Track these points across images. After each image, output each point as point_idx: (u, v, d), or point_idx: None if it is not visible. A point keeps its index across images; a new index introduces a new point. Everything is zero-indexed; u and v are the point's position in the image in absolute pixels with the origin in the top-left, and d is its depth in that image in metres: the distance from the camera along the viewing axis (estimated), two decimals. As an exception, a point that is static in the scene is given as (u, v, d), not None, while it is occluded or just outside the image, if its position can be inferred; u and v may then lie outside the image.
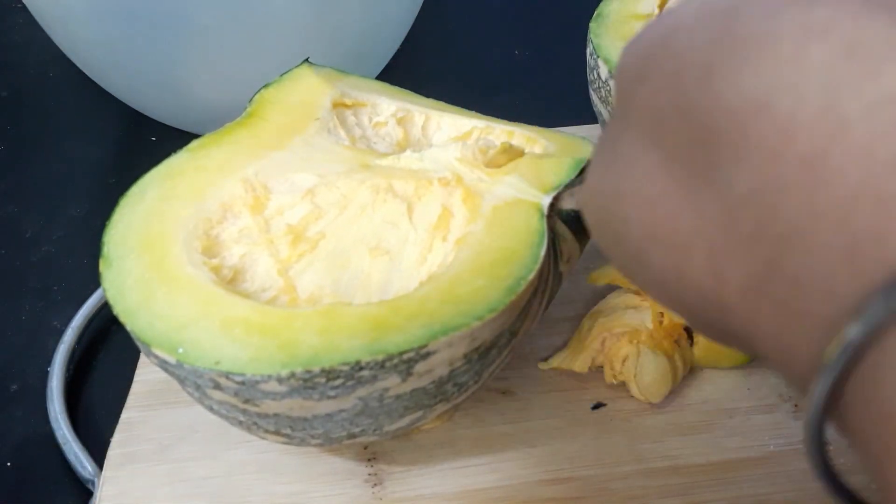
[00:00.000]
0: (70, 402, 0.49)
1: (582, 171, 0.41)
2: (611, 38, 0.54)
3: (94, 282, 0.55)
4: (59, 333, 0.52)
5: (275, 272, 0.38)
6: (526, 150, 0.43)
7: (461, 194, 0.41)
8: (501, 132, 0.46)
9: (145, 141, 0.67)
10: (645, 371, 0.44)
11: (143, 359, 0.48)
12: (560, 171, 0.41)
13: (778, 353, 0.20)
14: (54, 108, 0.72)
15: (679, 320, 0.47)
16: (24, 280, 0.57)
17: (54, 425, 0.47)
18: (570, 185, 0.40)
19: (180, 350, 0.33)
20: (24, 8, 0.62)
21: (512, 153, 0.42)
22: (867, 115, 0.17)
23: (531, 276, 0.37)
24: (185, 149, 0.42)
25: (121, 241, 0.38)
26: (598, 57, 0.53)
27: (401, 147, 0.47)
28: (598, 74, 0.53)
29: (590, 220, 0.26)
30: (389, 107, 0.47)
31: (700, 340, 0.46)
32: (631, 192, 0.23)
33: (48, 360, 0.51)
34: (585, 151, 0.43)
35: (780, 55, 0.18)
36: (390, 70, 0.70)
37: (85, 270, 0.57)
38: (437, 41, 0.78)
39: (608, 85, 0.52)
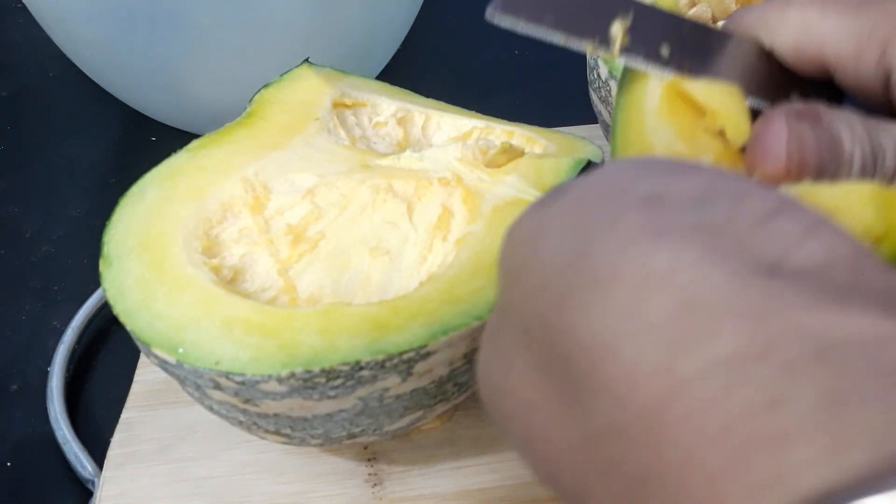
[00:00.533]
0: (70, 402, 0.49)
1: (582, 171, 0.41)
2: None
3: (94, 282, 0.55)
4: (59, 333, 0.52)
5: (275, 272, 0.38)
6: (526, 150, 0.43)
7: (461, 194, 0.41)
8: (501, 132, 0.46)
9: (145, 141, 0.67)
10: None
11: (143, 359, 0.48)
12: (560, 171, 0.41)
13: None
14: (54, 108, 0.72)
15: None
16: (24, 280, 0.57)
17: (54, 425, 0.47)
18: None
19: (180, 350, 0.33)
20: (24, 8, 0.62)
21: (512, 153, 0.42)
22: (702, 378, 0.17)
23: None
24: (185, 149, 0.42)
25: (121, 241, 0.38)
26: (597, 57, 0.53)
27: (401, 147, 0.46)
28: (598, 74, 0.53)
29: (484, 402, 0.25)
30: (389, 107, 0.47)
31: None
32: (510, 392, 0.22)
33: (48, 360, 0.51)
34: (585, 151, 0.43)
35: (622, 303, 0.19)
36: (390, 70, 0.70)
37: (85, 270, 0.57)
38: (438, 41, 0.78)
39: (608, 85, 0.52)
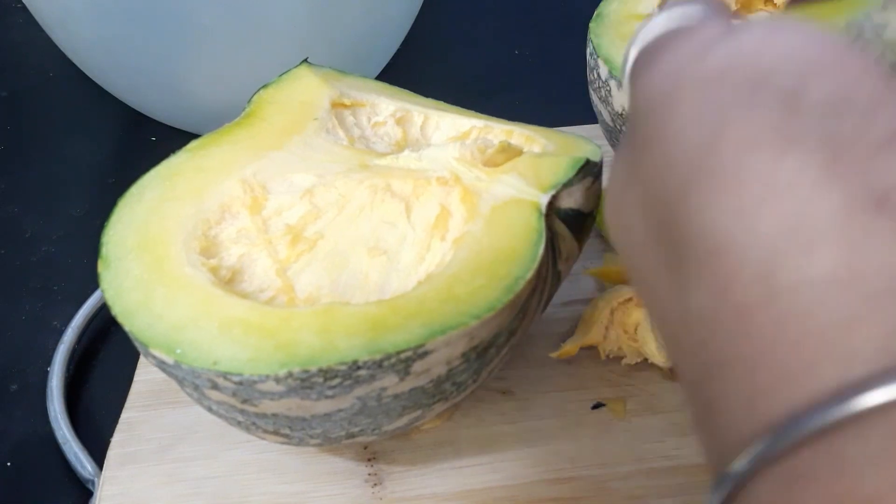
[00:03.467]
0: (70, 402, 0.49)
1: (580, 170, 0.41)
2: (611, 37, 0.54)
3: (94, 282, 0.54)
4: (59, 333, 0.52)
5: (273, 272, 0.38)
6: (524, 150, 0.43)
7: (459, 193, 0.41)
8: (500, 131, 0.46)
9: (145, 141, 0.67)
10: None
11: (143, 359, 0.48)
12: (558, 170, 0.41)
13: (701, 435, 0.22)
14: (54, 108, 0.72)
15: None
16: (24, 280, 0.57)
17: (54, 425, 0.47)
18: (568, 185, 0.40)
19: (178, 350, 0.33)
20: (24, 8, 0.62)
21: (510, 152, 0.42)
22: (793, 292, 0.19)
23: (529, 275, 0.37)
24: (184, 149, 0.42)
25: (119, 242, 0.38)
26: (598, 57, 0.53)
27: (399, 147, 0.46)
28: (598, 74, 0.53)
29: (608, 225, 0.27)
30: (388, 107, 0.47)
31: None
32: (631, 245, 0.24)
33: (48, 360, 0.51)
34: (584, 150, 0.43)
35: (741, 206, 0.20)
36: (390, 70, 0.70)
37: (85, 270, 0.57)
38: (437, 41, 0.78)
39: (608, 85, 0.52)
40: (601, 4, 0.57)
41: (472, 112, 0.48)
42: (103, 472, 0.43)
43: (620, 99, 0.51)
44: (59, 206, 0.63)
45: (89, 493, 0.45)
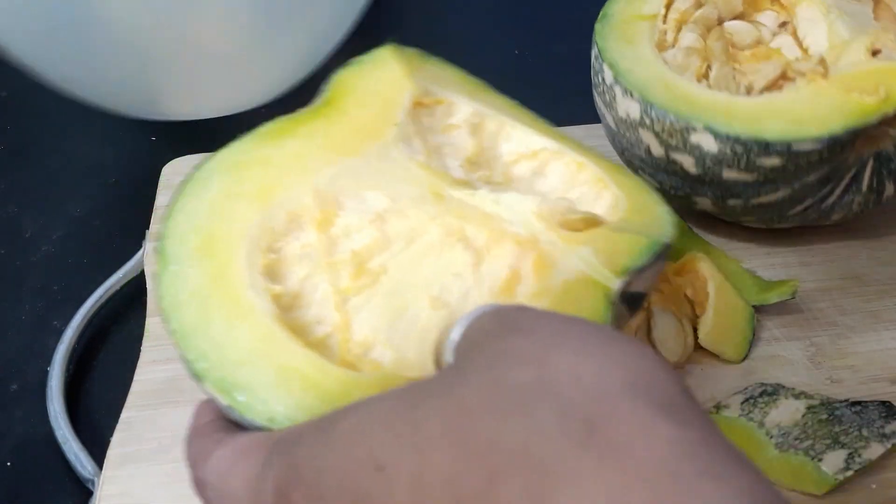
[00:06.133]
0: (70, 402, 0.49)
1: (658, 255, 0.38)
2: (615, 40, 0.54)
3: (94, 281, 0.55)
4: (59, 333, 0.52)
5: (332, 304, 0.36)
6: (603, 219, 0.40)
7: (534, 260, 0.38)
8: (571, 161, 0.43)
9: (145, 141, 0.67)
10: (659, 328, 0.45)
11: (143, 358, 0.48)
12: (635, 254, 0.37)
13: None
14: (54, 108, 0.72)
15: (679, 287, 0.49)
16: (24, 280, 0.57)
17: (54, 425, 0.47)
18: (641, 271, 0.37)
19: (239, 398, 0.32)
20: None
21: (591, 222, 0.39)
22: None
23: None
24: (254, 132, 0.40)
25: (181, 240, 0.35)
26: (602, 61, 0.53)
27: (470, 165, 0.44)
28: (603, 79, 0.53)
29: None
30: (465, 109, 0.44)
31: (705, 323, 0.47)
32: None
33: (48, 360, 0.51)
34: (659, 220, 0.40)
35: None
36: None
37: (85, 270, 0.57)
38: (437, 41, 0.78)
39: (613, 90, 0.52)
40: (606, 4, 0.57)
41: (544, 123, 0.45)
42: (103, 471, 0.43)
43: (624, 105, 0.51)
44: (59, 206, 0.63)
45: (89, 493, 0.45)
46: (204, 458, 0.30)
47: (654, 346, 0.45)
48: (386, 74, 0.43)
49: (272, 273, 0.36)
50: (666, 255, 0.39)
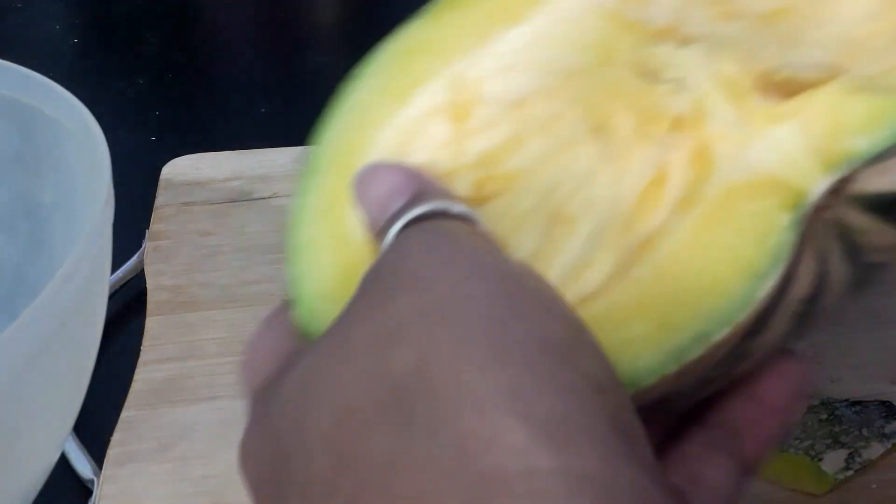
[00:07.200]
0: (70, 401, 0.49)
1: None
2: None
3: (94, 281, 0.55)
4: (59, 333, 0.52)
5: None
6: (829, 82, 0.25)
7: (691, 150, 0.26)
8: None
9: (145, 141, 0.67)
10: None
11: (143, 358, 0.48)
12: (872, 125, 0.23)
13: None
14: (54, 108, 0.72)
15: None
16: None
17: (54, 424, 0.47)
18: (881, 157, 0.23)
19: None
20: (25, 8, 0.62)
21: (808, 84, 0.25)
22: None
23: (721, 335, 0.23)
24: (425, 14, 0.31)
25: (321, 152, 0.30)
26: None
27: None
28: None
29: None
30: None
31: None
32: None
33: (48, 360, 0.51)
34: None
35: None
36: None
37: (85, 270, 0.57)
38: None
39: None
40: None
41: None
42: (103, 471, 0.43)
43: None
44: (59, 205, 0.63)
45: (89, 493, 0.45)
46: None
47: None
48: None
49: None
50: None
